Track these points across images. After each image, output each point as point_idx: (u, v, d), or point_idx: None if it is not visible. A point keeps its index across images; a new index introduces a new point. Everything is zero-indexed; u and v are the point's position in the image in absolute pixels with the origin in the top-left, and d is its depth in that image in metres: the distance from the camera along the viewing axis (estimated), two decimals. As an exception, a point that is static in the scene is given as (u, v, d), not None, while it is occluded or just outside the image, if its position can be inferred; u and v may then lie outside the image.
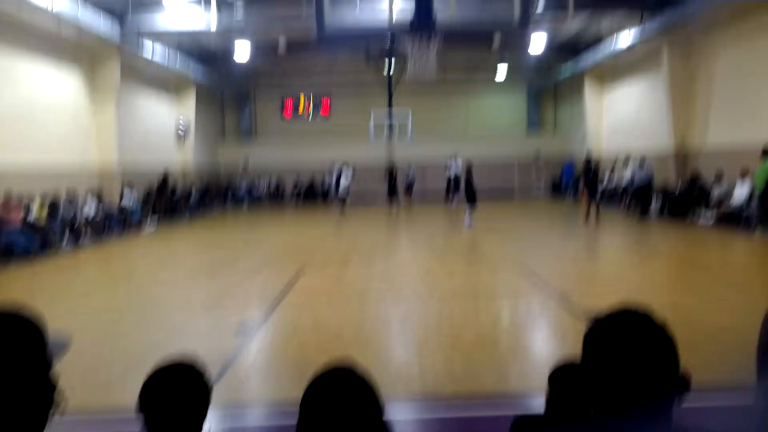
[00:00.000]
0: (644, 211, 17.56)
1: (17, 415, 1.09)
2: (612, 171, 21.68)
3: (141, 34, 18.65)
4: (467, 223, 15.94)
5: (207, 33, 21.78)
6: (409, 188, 25.17)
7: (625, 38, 19.46)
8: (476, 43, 25.19)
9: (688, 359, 4.06)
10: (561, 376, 2.33)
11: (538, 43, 22.74)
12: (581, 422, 1.27)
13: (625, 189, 19.61)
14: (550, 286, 8.33)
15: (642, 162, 18.08)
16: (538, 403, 2.56)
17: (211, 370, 4.82)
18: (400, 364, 5.38)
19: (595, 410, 1.21)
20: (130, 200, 18.89)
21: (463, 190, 16.62)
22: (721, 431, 1.24)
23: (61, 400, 1.19)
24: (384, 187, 25.99)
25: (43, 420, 1.15)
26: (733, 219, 14.33)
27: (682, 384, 1.19)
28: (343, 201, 22.71)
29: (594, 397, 1.22)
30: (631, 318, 1.24)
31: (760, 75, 14.83)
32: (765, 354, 1.59)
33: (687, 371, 1.21)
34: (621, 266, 10.65)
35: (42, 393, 1.14)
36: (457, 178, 23.80)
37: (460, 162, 24.00)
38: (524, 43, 23.71)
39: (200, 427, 1.83)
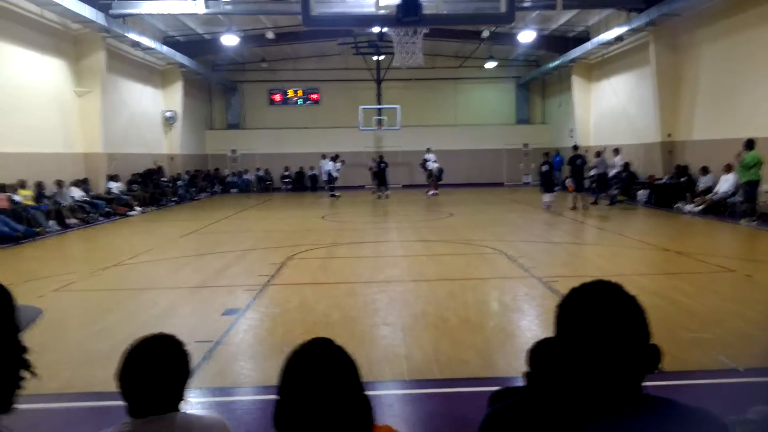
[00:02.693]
0: (616, 196, 18.50)
1: None
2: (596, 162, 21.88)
3: (127, 21, 18.50)
4: (548, 202, 17.35)
5: (194, 21, 21.79)
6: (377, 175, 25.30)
7: (613, 33, 19.57)
8: (465, 35, 25.20)
9: (672, 339, 4.12)
10: (539, 352, 2.38)
11: (526, 35, 22.84)
12: (555, 391, 1.29)
13: (610, 178, 19.92)
14: (535, 269, 8.40)
15: (599, 153, 19.05)
16: (521, 382, 2.60)
17: (199, 349, 4.91)
18: (387, 345, 5.44)
19: (567, 377, 1.22)
20: (117, 185, 18.83)
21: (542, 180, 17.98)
22: (694, 406, 1.26)
23: (33, 364, 1.22)
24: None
25: (16, 377, 1.18)
26: (718, 208, 14.62)
27: (652, 354, 1.21)
28: (332, 189, 23.62)
29: (566, 364, 1.23)
30: (603, 287, 1.26)
31: (743, 69, 15.00)
32: None
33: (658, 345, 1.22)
34: (607, 251, 10.75)
35: (11, 351, 1.17)
36: (439, 170, 24.49)
37: (432, 155, 24.37)
38: (513, 35, 23.80)
39: (180, 396, 1.86)
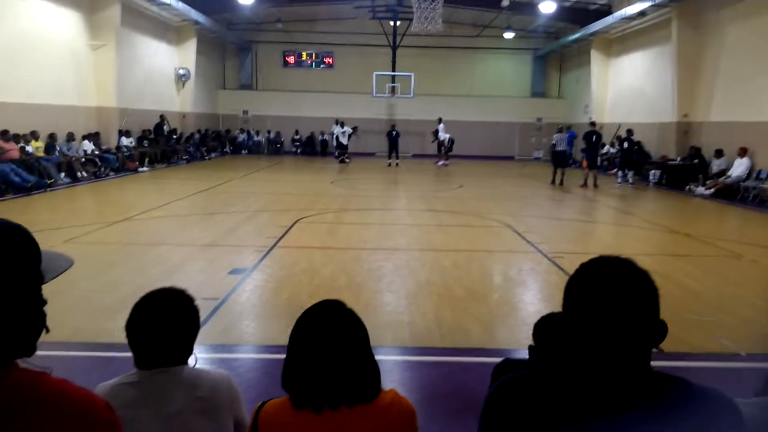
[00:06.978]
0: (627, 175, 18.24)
1: (5, 320, 1.06)
2: (612, 140, 21.68)
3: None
4: (625, 181, 17.90)
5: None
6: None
7: (636, 7, 19.18)
8: (484, 2, 24.75)
9: (675, 320, 4.13)
10: (545, 326, 2.39)
11: (546, 6, 22.44)
12: (560, 365, 1.29)
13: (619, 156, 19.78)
14: (542, 245, 8.40)
15: (561, 129, 19.09)
16: (524, 354, 2.62)
17: (205, 306, 4.95)
18: (390, 312, 5.49)
19: (574, 351, 1.22)
20: (128, 141, 18.85)
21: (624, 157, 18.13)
22: (705, 386, 1.26)
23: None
24: (384, 143, 25.74)
25: (35, 330, 1.11)
26: (730, 192, 14.50)
27: (660, 330, 1.20)
28: (343, 155, 23.61)
29: (574, 338, 1.22)
30: (614, 263, 1.24)
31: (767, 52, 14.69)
32: None
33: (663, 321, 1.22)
34: (614, 229, 10.74)
35: (32, 303, 1.11)
36: (450, 140, 24.32)
37: (442, 125, 24.24)
38: (533, 5, 23.37)
39: (188, 350, 1.88)
